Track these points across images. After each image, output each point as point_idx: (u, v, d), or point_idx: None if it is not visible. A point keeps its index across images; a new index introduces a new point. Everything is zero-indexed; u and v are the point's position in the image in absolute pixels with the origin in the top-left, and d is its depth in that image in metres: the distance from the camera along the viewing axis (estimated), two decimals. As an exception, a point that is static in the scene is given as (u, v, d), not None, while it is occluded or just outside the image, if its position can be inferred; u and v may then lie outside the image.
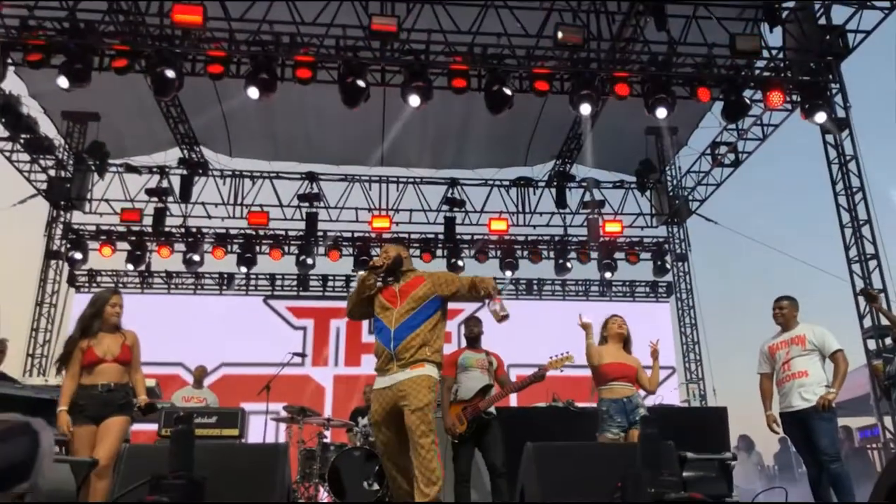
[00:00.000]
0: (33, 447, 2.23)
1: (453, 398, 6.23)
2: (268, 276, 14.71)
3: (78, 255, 13.31)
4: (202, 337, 13.24)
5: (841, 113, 9.81)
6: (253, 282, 14.73)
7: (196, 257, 13.59)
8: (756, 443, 12.19)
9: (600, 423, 5.68)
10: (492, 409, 6.20)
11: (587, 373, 5.93)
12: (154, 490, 3.65)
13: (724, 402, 11.92)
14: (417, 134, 12.29)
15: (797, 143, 15.22)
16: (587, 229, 13.78)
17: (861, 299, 9.28)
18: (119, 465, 4.28)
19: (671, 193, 14.20)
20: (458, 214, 13.78)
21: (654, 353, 5.88)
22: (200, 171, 13.37)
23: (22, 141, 11.50)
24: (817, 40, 9.73)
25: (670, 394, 10.84)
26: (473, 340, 6.55)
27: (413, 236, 14.18)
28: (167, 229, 13.48)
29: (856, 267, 9.55)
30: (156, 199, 13.10)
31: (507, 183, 14.19)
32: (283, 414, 8.30)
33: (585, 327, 5.80)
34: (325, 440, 8.01)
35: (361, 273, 4.66)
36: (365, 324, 12.48)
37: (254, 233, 13.85)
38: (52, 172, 12.62)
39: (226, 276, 14.57)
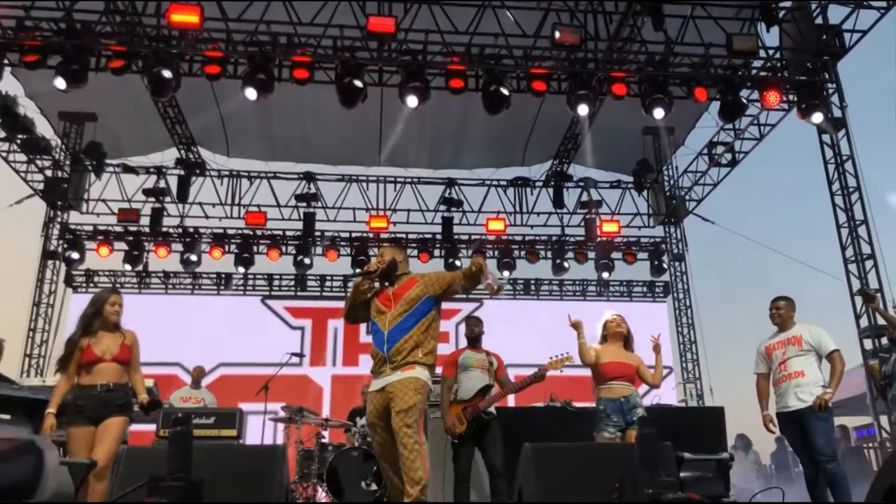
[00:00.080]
0: (38, 465, 2.25)
1: (453, 398, 6.24)
2: (265, 277, 14.72)
3: (75, 256, 13.30)
4: (200, 337, 13.24)
5: (837, 113, 9.84)
6: (251, 282, 14.72)
7: (193, 257, 13.59)
8: (753, 442, 12.22)
9: (597, 423, 5.69)
10: (492, 409, 6.21)
11: (586, 373, 5.94)
12: (152, 492, 3.66)
13: (721, 402, 11.92)
14: (415, 134, 12.29)
15: (794, 143, 15.24)
16: (585, 229, 13.79)
17: (858, 299, 9.31)
18: (117, 467, 4.28)
19: (668, 193, 14.22)
20: (456, 214, 13.79)
21: (656, 348, 5.88)
22: (198, 172, 13.36)
23: (19, 141, 11.50)
24: (814, 40, 9.75)
25: (668, 393, 10.84)
26: (474, 340, 6.56)
27: (411, 236, 14.19)
28: (164, 229, 13.48)
29: (852, 267, 9.57)
30: (153, 199, 13.09)
31: (504, 183, 14.21)
32: (282, 414, 8.31)
33: (576, 326, 5.81)
34: (323, 440, 8.02)
35: (357, 278, 4.65)
36: (363, 324, 12.47)
37: (251, 233, 13.84)
38: (48, 173, 12.63)
39: (223, 276, 14.56)
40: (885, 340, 8.41)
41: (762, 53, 9.75)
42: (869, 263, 9.41)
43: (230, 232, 13.86)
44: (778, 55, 10.02)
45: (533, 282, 15.25)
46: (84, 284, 14.09)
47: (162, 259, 13.78)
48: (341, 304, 4.77)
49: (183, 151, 13.21)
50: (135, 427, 5.21)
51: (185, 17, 8.44)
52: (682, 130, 12.96)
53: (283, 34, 9.12)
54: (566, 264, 14.37)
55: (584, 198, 13.99)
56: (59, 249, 13.40)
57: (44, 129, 12.05)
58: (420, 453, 4.08)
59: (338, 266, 14.09)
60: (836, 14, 9.69)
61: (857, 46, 9.58)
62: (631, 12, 9.56)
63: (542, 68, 9.41)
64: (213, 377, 12.68)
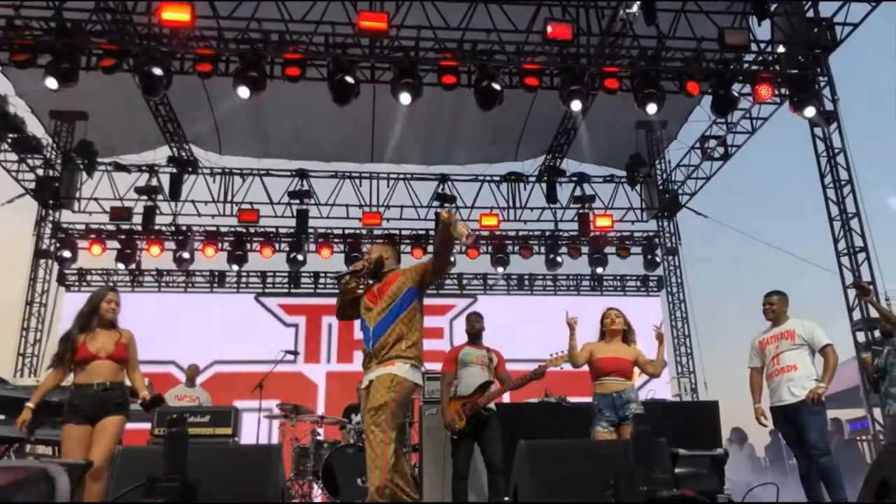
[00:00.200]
0: (50, 494, 2.27)
1: (453, 394, 6.26)
2: (259, 274, 14.68)
3: (67, 254, 13.26)
4: (194, 335, 13.23)
5: (829, 106, 9.87)
6: (244, 279, 14.69)
7: (186, 255, 13.56)
8: (748, 435, 12.28)
9: (592, 418, 5.75)
10: (491, 406, 6.23)
11: (583, 368, 5.96)
12: (148, 493, 3.66)
13: (715, 396, 11.99)
14: (408, 130, 12.27)
15: (786, 137, 15.26)
16: (578, 224, 13.80)
17: (851, 292, 9.35)
18: (113, 468, 4.28)
19: (661, 187, 14.22)
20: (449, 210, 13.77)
21: (659, 337, 5.89)
22: (190, 169, 13.31)
23: (9, 140, 11.44)
24: (805, 34, 9.76)
25: (662, 388, 10.88)
26: (475, 336, 6.57)
27: (404, 232, 14.18)
28: (157, 227, 13.45)
29: (845, 260, 9.62)
30: (145, 197, 13.06)
31: (497, 178, 14.21)
32: (277, 411, 8.31)
33: (570, 326, 5.81)
34: (318, 437, 8.02)
35: (345, 277, 4.65)
36: (357, 321, 12.48)
37: (244, 230, 13.81)
38: (40, 172, 12.56)
39: (217, 273, 14.54)
40: (877, 333, 8.45)
41: (754, 47, 9.77)
42: (861, 256, 9.46)
43: (223, 229, 13.84)
44: (770, 49, 10.03)
45: (527, 277, 15.25)
46: (77, 283, 14.05)
47: (155, 257, 13.75)
48: (335, 301, 4.77)
49: (175, 149, 13.14)
50: (129, 425, 5.19)
51: (176, 15, 8.40)
52: (674, 124, 12.96)
53: (274, 31, 9.08)
54: (560, 259, 14.38)
55: (578, 192, 14.01)
56: (52, 248, 13.36)
57: (35, 127, 11.99)
58: (383, 455, 4.00)
59: (331, 263, 14.08)
60: (827, 8, 9.72)
61: (848, 40, 9.60)
62: (623, 7, 9.55)
63: (534, 64, 9.40)
64: (208, 375, 12.68)
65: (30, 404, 4.94)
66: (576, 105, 9.33)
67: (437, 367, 6.86)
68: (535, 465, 4.26)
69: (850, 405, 11.79)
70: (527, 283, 15.26)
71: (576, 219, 13.96)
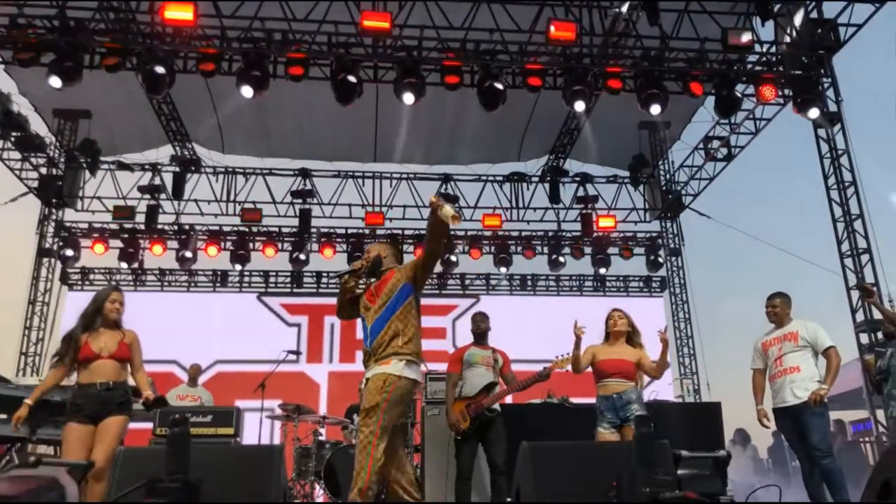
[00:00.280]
0: (61, 502, 2.29)
1: (458, 394, 6.25)
2: (261, 273, 14.69)
3: (70, 253, 13.28)
4: (196, 334, 13.23)
5: (833, 107, 9.85)
6: (247, 279, 14.69)
7: (189, 254, 13.57)
8: (751, 436, 12.26)
9: (595, 419, 5.76)
10: (496, 406, 6.22)
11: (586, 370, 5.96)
12: (150, 493, 3.65)
13: (717, 397, 11.99)
14: (411, 130, 12.27)
15: (789, 138, 15.23)
16: (581, 224, 13.79)
17: (854, 293, 9.32)
18: (114, 468, 4.27)
19: (664, 188, 14.20)
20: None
21: (664, 341, 5.86)
22: (193, 168, 13.33)
23: (13, 139, 11.47)
24: (809, 34, 9.74)
25: (665, 389, 10.86)
26: (480, 336, 6.56)
27: (407, 232, 14.18)
28: (160, 227, 13.47)
29: (848, 261, 9.59)
30: (148, 196, 13.07)
31: (500, 178, 14.21)
32: (279, 411, 8.31)
33: (577, 336, 5.77)
34: (320, 438, 8.02)
35: (344, 276, 4.64)
36: (359, 320, 12.48)
37: (247, 229, 13.82)
38: (43, 170, 12.59)
39: (219, 273, 14.54)
40: (881, 335, 8.43)
41: (757, 48, 9.75)
42: (865, 258, 9.43)
43: (226, 229, 13.85)
44: (773, 50, 10.01)
45: (529, 277, 15.24)
46: (79, 282, 14.07)
47: (157, 256, 13.77)
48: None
49: (178, 148, 13.16)
50: (131, 425, 5.19)
51: (179, 14, 8.41)
52: (677, 125, 12.95)
53: (277, 31, 9.08)
54: (563, 260, 14.37)
55: (581, 193, 14.01)
56: (55, 247, 13.38)
57: (38, 126, 12.01)
58: (369, 459, 3.96)
59: (334, 262, 14.07)
60: (831, 8, 9.70)
61: (852, 40, 9.58)
62: (615, 4, 9.55)
63: (537, 64, 9.39)
64: (210, 374, 12.65)
65: (28, 401, 4.94)
66: (579, 105, 9.32)
67: (439, 367, 6.85)
68: (537, 466, 4.25)
69: (853, 407, 11.76)
70: (529, 283, 15.25)
71: (579, 219, 13.95)
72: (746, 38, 9.03)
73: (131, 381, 5.23)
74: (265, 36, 9.06)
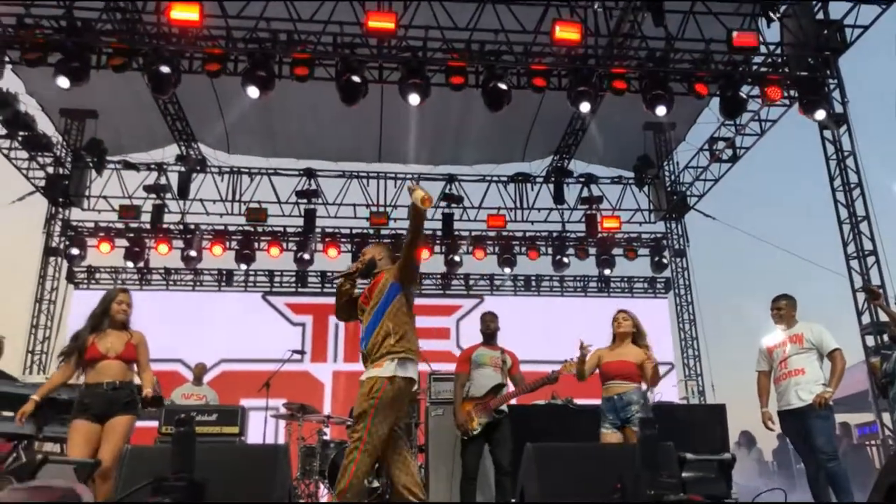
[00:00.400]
0: None
1: (465, 395, 6.26)
2: (266, 273, 14.72)
3: (76, 252, 13.33)
4: (201, 334, 13.25)
5: (839, 108, 9.82)
6: (252, 278, 14.72)
7: (194, 253, 13.60)
8: (756, 438, 12.22)
9: (600, 421, 5.76)
10: (503, 408, 6.23)
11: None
12: (156, 492, 3.66)
13: (722, 398, 11.96)
14: (415, 130, 12.28)
15: (795, 139, 15.21)
16: (585, 225, 13.78)
17: (860, 295, 9.30)
18: (121, 467, 4.29)
19: (669, 189, 14.18)
20: (456, 210, 13.79)
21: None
22: (198, 168, 13.38)
23: (20, 138, 11.49)
24: (815, 35, 9.72)
25: (669, 390, 10.85)
26: (489, 337, 6.56)
27: (411, 232, 14.15)
28: (165, 226, 13.51)
29: (854, 263, 9.57)
30: (154, 195, 13.11)
31: (504, 179, 14.22)
32: (283, 411, 8.33)
33: (582, 353, 5.75)
34: (324, 437, 8.04)
35: (339, 279, 4.67)
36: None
37: (252, 229, 13.85)
38: (50, 170, 12.62)
39: (224, 272, 14.58)
40: (886, 337, 8.40)
41: (763, 49, 9.73)
42: (871, 259, 9.41)
43: (231, 228, 13.89)
44: (779, 51, 9.99)
45: (533, 278, 15.23)
46: (86, 281, 14.11)
47: (163, 256, 13.82)
48: (337, 302, 4.81)
49: (183, 148, 13.20)
50: (137, 424, 5.21)
51: (185, 15, 8.43)
52: (683, 126, 12.94)
53: (282, 31, 9.10)
54: (567, 260, 14.36)
55: (585, 193, 14.00)
56: (61, 246, 13.44)
57: (45, 126, 12.04)
58: (352, 465, 4.06)
59: (339, 262, 14.08)
60: (837, 9, 9.68)
61: (858, 42, 9.56)
62: (631, 7, 9.54)
63: (542, 64, 9.39)
64: (215, 374, 12.70)
65: (35, 396, 4.96)
66: (584, 106, 9.31)
67: (443, 367, 6.85)
68: (542, 467, 4.25)
69: (859, 409, 11.71)
70: (534, 283, 15.25)
71: (583, 220, 13.95)
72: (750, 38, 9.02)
73: (138, 381, 5.25)
74: (270, 36, 9.08)
